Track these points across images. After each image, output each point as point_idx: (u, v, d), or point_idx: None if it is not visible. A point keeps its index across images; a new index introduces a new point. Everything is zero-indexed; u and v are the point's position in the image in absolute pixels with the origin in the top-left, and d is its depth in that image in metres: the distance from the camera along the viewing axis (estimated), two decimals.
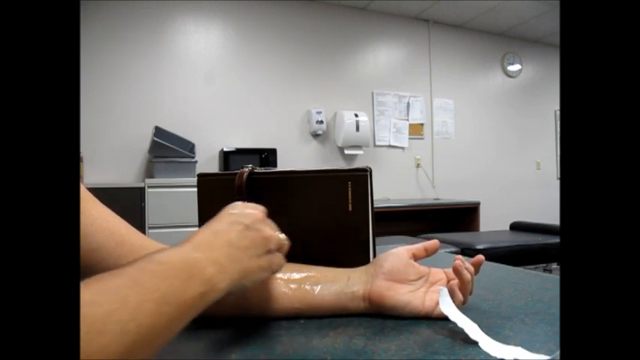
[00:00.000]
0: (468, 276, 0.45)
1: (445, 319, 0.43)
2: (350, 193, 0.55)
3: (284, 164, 3.30)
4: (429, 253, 0.50)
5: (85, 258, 0.43)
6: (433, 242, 0.51)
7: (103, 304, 0.24)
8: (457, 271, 0.46)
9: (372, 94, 3.82)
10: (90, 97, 2.83)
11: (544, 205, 4.36)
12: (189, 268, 0.31)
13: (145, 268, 0.29)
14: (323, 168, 0.58)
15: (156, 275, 0.29)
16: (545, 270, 2.57)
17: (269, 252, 0.40)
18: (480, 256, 0.48)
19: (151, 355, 0.27)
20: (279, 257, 0.42)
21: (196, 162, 2.83)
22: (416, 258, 0.50)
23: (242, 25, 3.36)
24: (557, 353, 0.36)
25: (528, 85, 4.58)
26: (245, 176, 0.57)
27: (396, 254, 0.49)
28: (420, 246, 0.50)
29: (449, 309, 0.43)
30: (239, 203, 0.41)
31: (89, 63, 2.85)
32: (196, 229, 0.64)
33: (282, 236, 0.43)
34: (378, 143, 3.82)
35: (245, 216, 0.39)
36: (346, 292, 0.47)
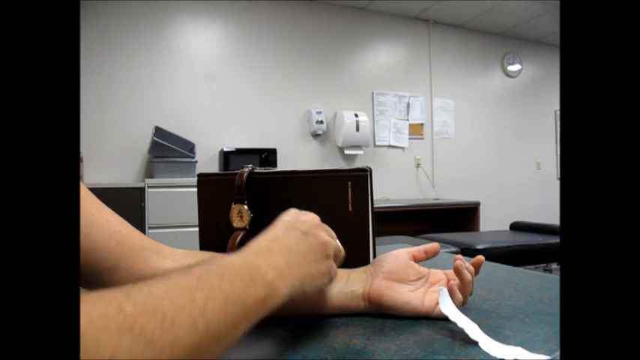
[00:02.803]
0: (468, 276, 0.45)
1: (445, 319, 0.43)
2: (350, 193, 0.55)
3: (284, 164, 3.31)
4: (429, 255, 0.51)
5: (85, 257, 0.43)
6: (433, 245, 0.51)
7: (174, 299, 0.25)
8: (458, 271, 0.46)
9: (372, 94, 3.82)
10: (90, 97, 2.83)
11: (544, 205, 4.36)
12: (251, 272, 0.31)
13: (210, 270, 0.29)
14: (323, 168, 0.58)
15: (221, 277, 0.29)
16: (545, 270, 2.57)
17: (327, 257, 0.40)
18: (480, 257, 0.49)
19: (217, 354, 0.27)
20: (334, 264, 0.42)
21: (196, 162, 2.83)
22: (416, 260, 0.50)
23: (242, 25, 3.36)
24: (557, 353, 0.36)
25: (528, 85, 4.58)
26: (245, 176, 0.57)
27: (396, 255, 0.49)
28: (420, 248, 0.50)
29: (449, 309, 0.43)
30: (294, 210, 0.42)
31: (89, 63, 2.85)
32: (196, 229, 0.64)
33: (338, 243, 0.43)
34: (378, 143, 3.83)
35: (301, 222, 0.40)
36: (345, 292, 0.47)
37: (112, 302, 0.22)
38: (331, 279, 0.41)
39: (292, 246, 0.37)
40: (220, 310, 0.27)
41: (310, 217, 0.41)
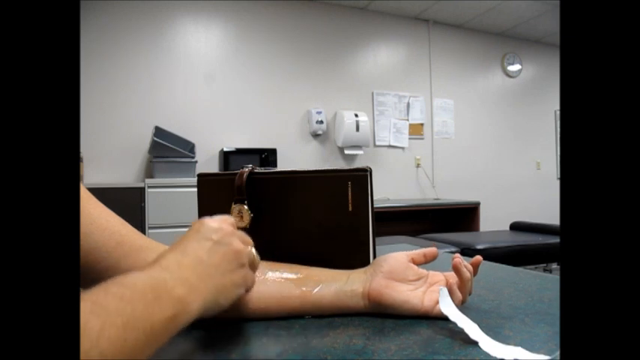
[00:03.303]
0: (467, 274, 0.46)
1: (445, 318, 0.43)
2: (350, 193, 0.55)
3: (284, 164, 3.31)
4: (428, 259, 0.51)
5: (85, 257, 0.43)
6: (432, 250, 0.51)
7: None
8: (456, 269, 0.46)
9: (372, 94, 3.82)
10: (90, 97, 2.83)
11: (544, 205, 4.36)
12: (156, 289, 0.29)
13: (108, 291, 0.27)
14: (323, 168, 0.58)
15: (119, 298, 0.26)
16: (545, 270, 2.57)
17: (242, 266, 0.38)
18: (479, 257, 0.49)
19: None
20: (251, 273, 0.40)
21: (196, 162, 2.83)
22: (415, 263, 0.50)
23: (242, 25, 3.36)
24: (557, 353, 0.36)
25: (528, 85, 4.58)
26: (245, 176, 0.57)
27: (396, 257, 0.49)
28: (419, 252, 0.51)
29: (449, 309, 0.43)
30: (206, 218, 0.39)
31: (89, 63, 2.85)
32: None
33: (253, 250, 0.41)
34: (378, 143, 3.82)
35: (214, 231, 0.38)
36: (345, 291, 0.48)
37: None
38: (247, 288, 0.40)
39: (204, 257, 0.35)
40: (118, 337, 0.24)
41: (223, 225, 0.39)
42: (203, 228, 0.38)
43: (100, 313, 0.25)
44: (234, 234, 0.39)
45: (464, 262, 0.46)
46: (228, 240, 0.38)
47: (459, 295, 0.45)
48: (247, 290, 0.40)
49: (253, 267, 0.41)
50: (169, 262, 0.33)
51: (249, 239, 0.42)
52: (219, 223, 0.39)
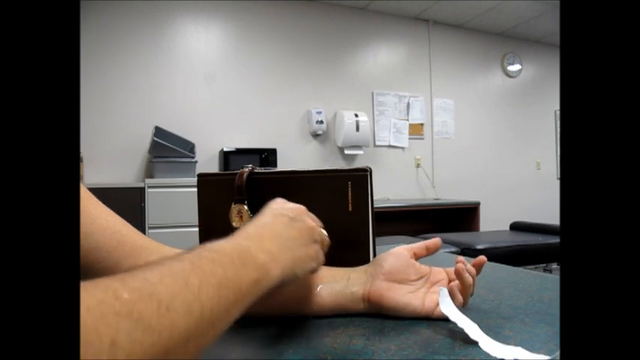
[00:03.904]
0: (469, 279, 0.45)
1: (445, 319, 0.43)
2: (350, 193, 0.55)
3: (284, 164, 3.31)
4: (431, 251, 0.50)
5: (85, 257, 0.43)
6: (435, 240, 0.50)
7: (169, 285, 0.25)
8: (459, 275, 0.45)
9: (372, 94, 3.82)
10: (90, 97, 2.83)
11: (544, 205, 4.36)
12: (242, 255, 0.32)
13: (201, 255, 0.29)
14: (323, 168, 0.58)
15: (212, 261, 0.29)
16: (545, 270, 2.57)
17: (315, 242, 0.41)
18: (482, 257, 0.48)
19: (214, 337, 0.27)
20: (321, 251, 0.43)
21: (196, 162, 2.83)
22: (417, 257, 0.50)
23: (242, 25, 3.36)
24: (557, 353, 0.36)
25: (528, 85, 4.58)
26: (245, 176, 0.57)
27: (396, 254, 0.49)
28: (421, 244, 0.50)
29: (449, 309, 0.43)
30: (280, 199, 0.43)
31: (89, 63, 2.85)
32: (196, 229, 0.64)
33: (324, 232, 0.44)
34: (378, 143, 3.83)
35: (288, 209, 0.41)
36: (345, 293, 0.47)
37: (108, 289, 0.22)
38: (319, 263, 0.42)
39: (281, 230, 0.38)
40: (214, 294, 0.27)
41: (297, 205, 0.42)
42: (278, 206, 0.41)
43: (198, 272, 0.27)
44: (307, 213, 0.43)
45: (467, 267, 0.46)
46: (302, 217, 0.41)
47: (459, 298, 0.45)
48: (319, 265, 0.42)
49: (324, 246, 0.44)
50: (251, 234, 0.36)
51: (319, 221, 0.44)
52: (293, 204, 0.43)
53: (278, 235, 0.37)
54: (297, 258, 0.38)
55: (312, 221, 0.42)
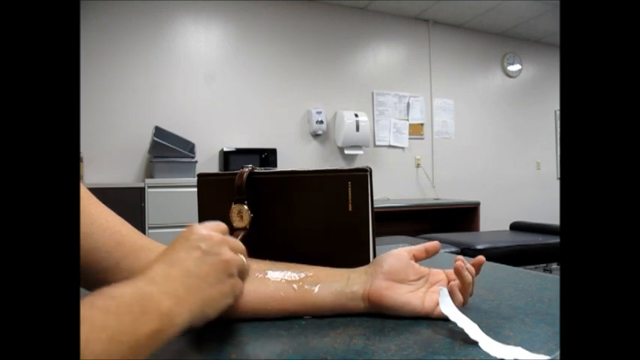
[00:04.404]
0: (469, 277, 0.45)
1: (445, 319, 0.43)
2: (350, 193, 0.55)
3: (284, 164, 3.30)
4: (430, 254, 0.50)
5: (85, 258, 0.43)
6: (434, 244, 0.50)
7: None
8: (458, 273, 0.45)
9: (372, 94, 3.82)
10: (90, 97, 2.83)
11: (544, 205, 4.36)
12: (142, 302, 0.29)
13: (93, 304, 0.26)
14: (323, 168, 0.58)
15: (106, 312, 0.26)
16: (545, 270, 2.57)
17: (231, 276, 0.38)
18: (481, 257, 0.48)
19: None
20: (240, 282, 0.40)
21: (196, 162, 2.83)
22: (416, 259, 0.50)
23: (242, 25, 3.36)
24: (557, 353, 0.36)
25: (528, 85, 4.58)
26: (245, 176, 0.57)
27: (396, 255, 0.49)
28: (420, 247, 0.50)
29: (449, 309, 0.43)
30: (196, 225, 0.39)
31: (89, 63, 2.85)
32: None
33: (244, 259, 0.41)
34: (378, 143, 3.82)
35: (202, 239, 0.37)
36: (346, 292, 0.47)
37: None
38: (236, 298, 0.39)
39: (192, 268, 0.35)
40: (103, 350, 0.24)
41: (213, 233, 0.38)
42: (192, 236, 0.37)
43: (85, 327, 0.24)
44: (224, 242, 0.39)
45: (466, 265, 0.46)
46: (217, 249, 0.37)
47: (459, 297, 0.45)
48: (236, 300, 0.40)
49: (243, 276, 0.41)
50: (156, 274, 0.33)
51: (240, 246, 0.41)
52: (208, 231, 0.38)
53: (187, 274, 0.34)
54: (208, 298, 0.35)
55: (228, 252, 0.38)
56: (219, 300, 0.37)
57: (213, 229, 0.39)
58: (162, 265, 0.34)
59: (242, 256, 0.41)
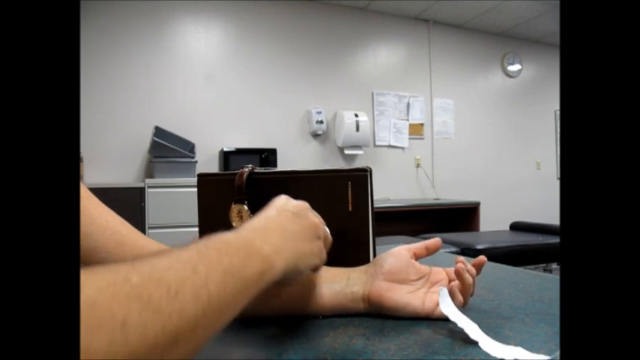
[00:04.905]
0: (469, 279, 0.45)
1: (445, 319, 0.43)
2: (350, 193, 0.55)
3: (284, 164, 3.31)
4: (431, 251, 0.50)
5: (85, 258, 0.43)
6: (435, 241, 0.50)
7: (178, 271, 0.25)
8: (459, 274, 0.45)
9: (372, 94, 3.82)
10: (90, 97, 2.83)
11: (544, 205, 4.36)
12: (247, 247, 0.32)
13: (208, 245, 0.30)
14: (323, 168, 0.58)
15: (219, 251, 0.30)
16: (545, 270, 2.57)
17: (318, 238, 0.41)
18: (482, 257, 0.48)
19: (220, 325, 0.27)
20: (324, 248, 0.43)
21: (196, 162, 2.83)
22: (417, 257, 0.50)
23: (242, 25, 3.36)
24: (557, 353, 0.36)
25: (528, 85, 4.58)
26: (245, 176, 0.57)
27: (396, 254, 0.49)
28: (421, 245, 0.50)
29: (449, 309, 0.43)
30: (284, 196, 0.43)
31: (89, 63, 2.85)
32: (196, 229, 0.64)
33: (327, 229, 0.44)
34: (378, 143, 3.83)
35: (292, 206, 0.41)
36: (346, 293, 0.47)
37: (119, 272, 0.23)
38: (322, 260, 0.42)
39: (285, 224, 0.38)
40: (221, 281, 0.27)
41: (300, 202, 0.42)
42: (282, 202, 0.41)
43: (205, 260, 0.28)
44: (310, 210, 0.43)
45: (467, 267, 0.46)
46: (306, 213, 0.41)
47: (459, 298, 0.45)
48: (322, 262, 0.42)
49: (327, 243, 0.44)
50: (256, 226, 0.36)
51: (321, 219, 0.44)
52: (297, 201, 0.43)
53: (282, 229, 0.37)
54: (301, 252, 0.38)
55: (315, 218, 0.42)
56: (309, 256, 0.40)
57: (300, 201, 0.43)
58: (259, 221, 0.37)
59: (325, 227, 0.44)
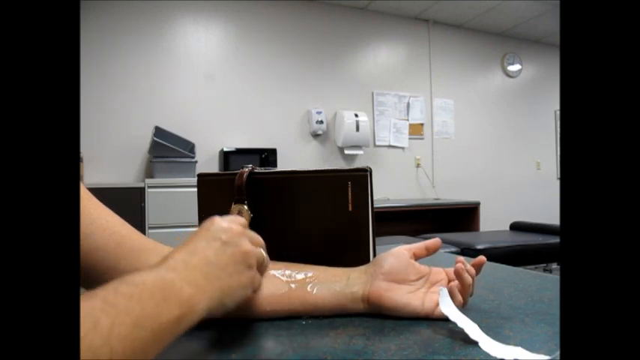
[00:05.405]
0: (469, 279, 0.45)
1: (445, 319, 0.43)
2: (350, 193, 0.55)
3: (284, 164, 3.30)
4: (430, 252, 0.50)
5: (85, 258, 0.43)
6: (434, 241, 0.50)
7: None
8: (458, 275, 0.45)
9: (372, 94, 3.82)
10: (90, 97, 2.83)
11: (544, 205, 4.36)
12: (164, 289, 0.30)
13: (117, 290, 0.27)
14: (323, 168, 0.58)
15: (129, 297, 0.27)
16: (545, 270, 2.57)
17: (249, 268, 0.38)
18: (482, 257, 0.48)
19: None
20: (258, 274, 0.40)
21: (196, 162, 2.83)
22: (416, 257, 0.49)
23: (242, 25, 3.36)
24: (557, 353, 0.36)
25: (528, 85, 4.58)
26: (245, 176, 0.57)
27: (396, 254, 0.49)
28: (421, 245, 0.50)
29: (449, 309, 0.43)
30: (217, 217, 0.39)
31: (89, 63, 2.85)
32: (196, 229, 0.64)
33: (263, 252, 0.41)
34: (378, 143, 3.82)
35: (223, 231, 0.38)
36: (345, 293, 0.47)
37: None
38: (254, 289, 0.40)
39: (211, 258, 0.35)
40: (127, 335, 0.25)
41: (233, 225, 0.39)
42: (213, 227, 0.38)
43: (110, 311, 0.25)
44: (243, 234, 0.39)
45: (466, 267, 0.46)
46: (237, 241, 0.38)
47: (459, 298, 0.45)
48: (254, 291, 0.40)
49: (261, 269, 0.41)
50: (177, 263, 0.33)
51: (259, 240, 0.42)
52: (228, 223, 0.39)
53: (207, 263, 0.34)
54: (227, 287, 0.35)
55: (248, 244, 0.39)
56: (237, 290, 0.37)
57: (233, 222, 0.40)
58: (183, 254, 0.35)
59: (261, 250, 0.41)
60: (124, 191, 2.58)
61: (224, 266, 0.36)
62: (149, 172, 2.94)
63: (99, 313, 0.24)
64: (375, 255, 0.54)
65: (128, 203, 2.53)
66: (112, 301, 0.26)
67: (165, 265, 0.33)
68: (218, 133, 3.24)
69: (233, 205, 0.57)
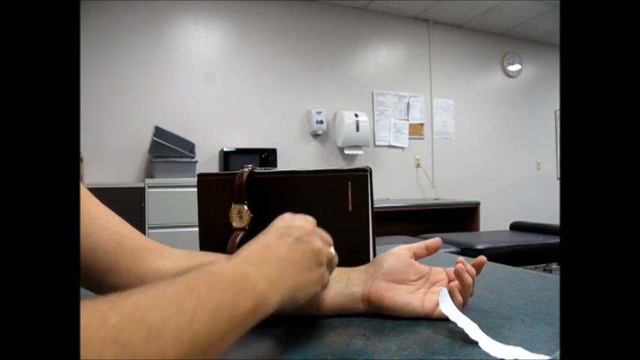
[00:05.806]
0: (469, 279, 0.45)
1: (445, 319, 0.43)
2: (350, 193, 0.55)
3: (284, 164, 3.30)
4: (430, 251, 0.50)
5: (85, 258, 0.43)
6: (434, 240, 0.50)
7: (161, 310, 0.24)
8: (458, 275, 0.45)
9: (372, 94, 3.82)
10: (90, 97, 2.83)
11: (544, 205, 4.36)
12: (240, 281, 0.31)
13: (199, 278, 0.28)
14: (323, 168, 0.58)
15: (209, 285, 0.28)
16: (545, 270, 2.57)
17: (320, 265, 0.39)
18: (482, 257, 0.48)
19: None
20: (327, 272, 0.41)
21: (196, 162, 2.83)
22: (417, 257, 0.49)
23: (242, 25, 3.36)
24: (557, 353, 0.36)
25: (528, 85, 4.58)
26: (245, 176, 0.57)
27: (396, 254, 0.49)
28: (421, 244, 0.50)
29: (449, 309, 0.43)
30: (288, 215, 0.41)
31: (89, 63, 2.85)
32: (196, 229, 0.64)
33: (332, 250, 0.42)
34: (378, 143, 3.82)
35: (295, 228, 0.39)
36: (345, 293, 0.47)
37: (95, 313, 0.21)
38: (323, 287, 0.41)
39: (284, 254, 0.36)
40: (208, 321, 0.26)
41: (304, 223, 0.40)
42: (285, 224, 0.39)
43: (192, 297, 0.26)
44: (315, 232, 0.40)
45: (466, 267, 0.46)
46: (309, 238, 0.39)
47: (459, 298, 0.45)
48: (323, 288, 0.41)
49: (331, 266, 0.42)
50: (252, 256, 0.34)
51: (329, 238, 0.42)
52: (300, 221, 0.40)
53: (280, 259, 0.35)
54: (299, 283, 0.36)
55: (319, 242, 0.40)
56: (308, 286, 0.38)
57: (305, 219, 0.41)
58: (258, 248, 0.36)
59: (331, 248, 0.42)
60: (124, 191, 2.58)
61: (296, 263, 0.37)
62: (149, 172, 2.94)
63: (183, 298, 0.25)
64: (375, 255, 0.54)
65: (128, 203, 2.53)
66: (194, 287, 0.27)
67: (240, 258, 0.34)
68: (218, 133, 3.24)
69: (233, 205, 0.57)
